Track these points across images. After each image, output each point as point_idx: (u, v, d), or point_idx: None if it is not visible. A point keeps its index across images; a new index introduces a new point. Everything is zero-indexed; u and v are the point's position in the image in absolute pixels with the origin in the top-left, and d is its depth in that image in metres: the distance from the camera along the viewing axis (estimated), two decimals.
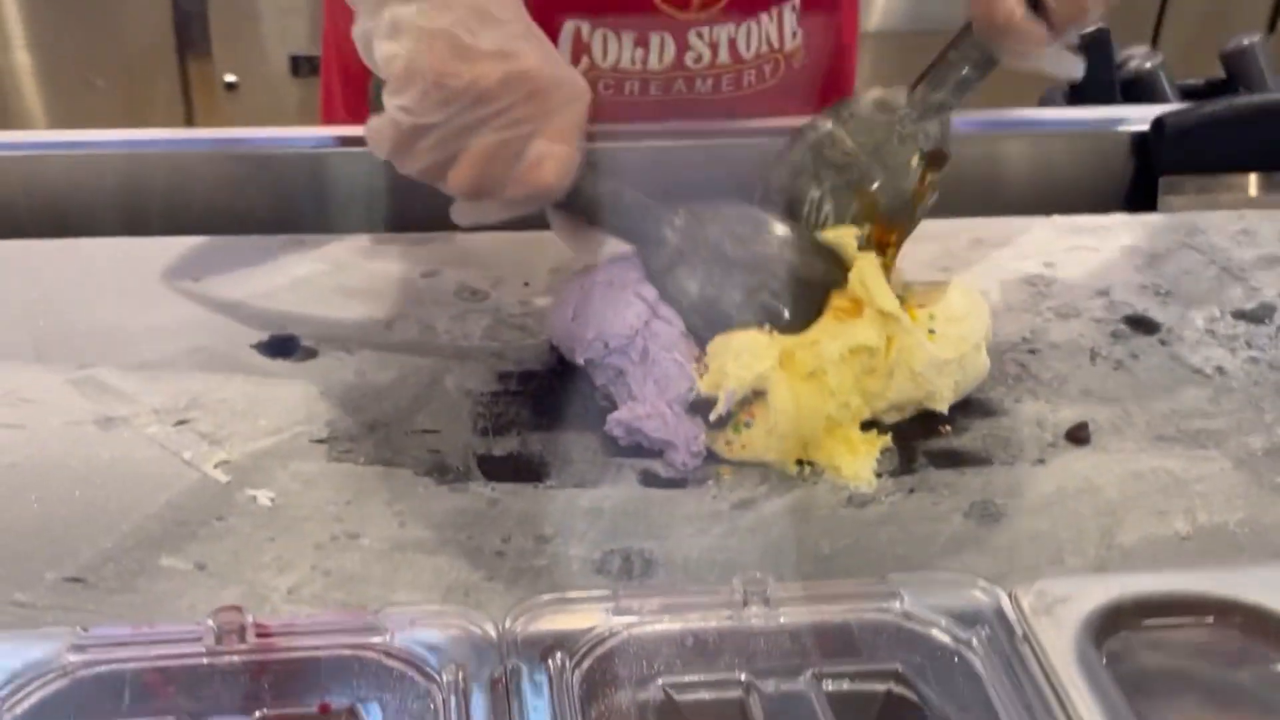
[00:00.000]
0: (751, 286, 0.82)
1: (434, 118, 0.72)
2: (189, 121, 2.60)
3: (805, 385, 0.80)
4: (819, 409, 0.81)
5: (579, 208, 0.80)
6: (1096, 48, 1.24)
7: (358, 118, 1.15)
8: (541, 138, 0.74)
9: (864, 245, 0.84)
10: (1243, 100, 1.13)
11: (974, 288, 0.86)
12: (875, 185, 0.85)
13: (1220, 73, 1.35)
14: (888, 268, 0.85)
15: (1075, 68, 0.87)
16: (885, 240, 0.86)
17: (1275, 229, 1.06)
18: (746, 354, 0.79)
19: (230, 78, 2.55)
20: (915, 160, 0.85)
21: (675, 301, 0.82)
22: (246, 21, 2.54)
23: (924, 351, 0.81)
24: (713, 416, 0.79)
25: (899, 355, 0.82)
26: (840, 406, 0.81)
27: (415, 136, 0.74)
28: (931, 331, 0.83)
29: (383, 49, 0.73)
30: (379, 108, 0.74)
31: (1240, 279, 1.00)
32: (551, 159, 0.74)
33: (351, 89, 1.16)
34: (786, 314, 0.82)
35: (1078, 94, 1.22)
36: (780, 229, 0.84)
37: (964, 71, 0.86)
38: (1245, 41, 1.33)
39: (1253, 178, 1.11)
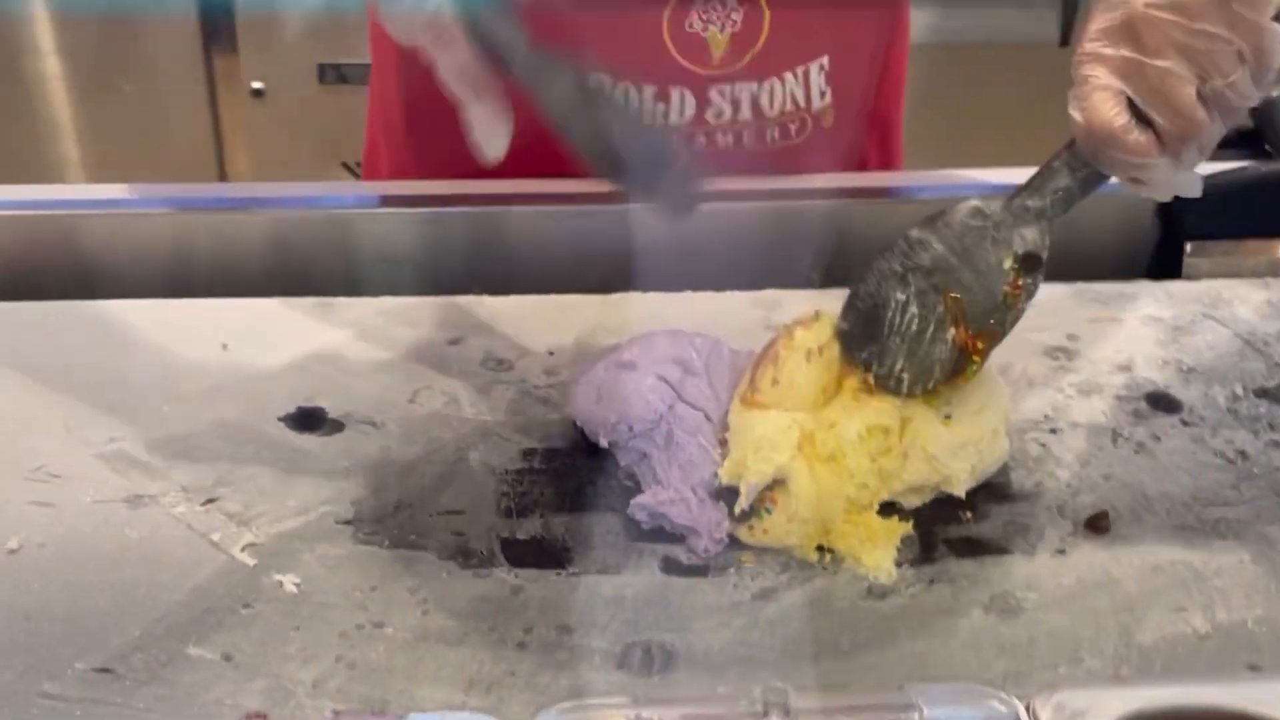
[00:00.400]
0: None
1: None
2: (216, 128, 2.61)
3: (824, 468, 0.81)
4: (838, 491, 0.81)
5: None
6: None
7: (401, 173, 1.17)
8: None
9: (950, 350, 0.83)
10: (1270, 166, 1.12)
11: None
12: (963, 287, 0.82)
13: (1247, 122, 1.35)
14: (971, 376, 0.83)
15: (1192, 187, 0.81)
16: (972, 346, 0.83)
17: None
18: (766, 445, 0.80)
19: (257, 84, 2.56)
20: (1008, 262, 0.82)
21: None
22: (274, 29, 2.55)
23: (938, 435, 0.81)
24: (736, 510, 0.80)
25: (913, 438, 0.82)
26: (859, 488, 0.82)
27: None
28: (947, 417, 0.83)
29: None
30: None
31: (1263, 353, 1.00)
32: None
33: (393, 144, 1.17)
34: None
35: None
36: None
37: (1064, 182, 0.81)
38: (1275, 93, 1.32)
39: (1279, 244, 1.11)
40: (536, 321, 0.99)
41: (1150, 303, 1.05)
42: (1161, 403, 0.95)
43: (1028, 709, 0.67)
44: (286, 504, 0.82)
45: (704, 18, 1.04)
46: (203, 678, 0.70)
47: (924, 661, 0.74)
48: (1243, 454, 0.90)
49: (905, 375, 0.83)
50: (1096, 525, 0.84)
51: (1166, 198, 0.80)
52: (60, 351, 0.94)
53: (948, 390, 0.84)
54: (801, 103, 1.11)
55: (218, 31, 2.54)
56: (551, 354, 0.96)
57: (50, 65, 2.55)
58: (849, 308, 0.85)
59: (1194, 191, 0.80)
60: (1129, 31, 0.75)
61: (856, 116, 1.16)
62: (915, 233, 0.83)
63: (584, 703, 0.66)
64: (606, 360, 0.85)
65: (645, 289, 1.02)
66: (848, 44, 1.12)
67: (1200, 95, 0.75)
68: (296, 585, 0.76)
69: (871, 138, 1.21)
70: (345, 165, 2.46)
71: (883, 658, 0.74)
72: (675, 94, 1.06)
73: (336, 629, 0.74)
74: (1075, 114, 0.77)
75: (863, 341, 0.84)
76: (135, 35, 2.52)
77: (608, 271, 1.01)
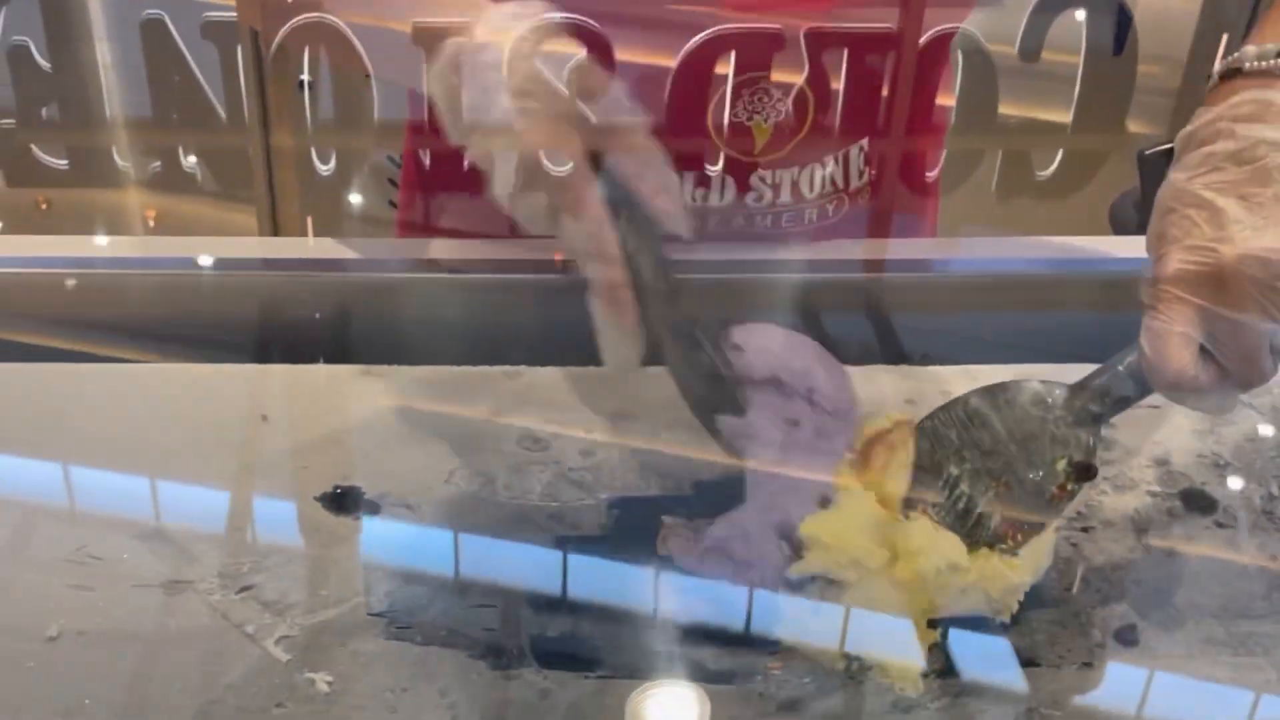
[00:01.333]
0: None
1: None
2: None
3: (890, 584, 0.81)
4: (893, 604, 0.82)
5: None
6: (1160, 171, 1.23)
7: (434, 230, 1.18)
8: None
9: (988, 535, 0.83)
10: None
11: None
12: (1016, 479, 0.83)
13: None
14: (1000, 564, 0.83)
15: (1231, 406, 0.82)
16: (1012, 535, 0.83)
17: None
18: (854, 549, 0.81)
19: (305, 76, 2.56)
20: (1063, 465, 0.83)
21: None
22: None
23: (1004, 580, 0.82)
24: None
25: (980, 579, 0.82)
26: (920, 612, 0.82)
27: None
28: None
29: None
30: None
31: None
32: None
33: (426, 201, 1.17)
34: None
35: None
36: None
37: (1126, 392, 0.82)
38: None
39: None
40: (575, 397, 1.00)
41: None
42: (1196, 502, 0.94)
43: None
44: (320, 594, 0.83)
45: (749, 107, 1.04)
46: None
47: None
48: (1275, 557, 0.90)
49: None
50: (1125, 639, 0.84)
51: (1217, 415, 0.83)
52: (103, 416, 0.95)
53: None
54: (840, 183, 1.11)
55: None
56: (588, 432, 0.97)
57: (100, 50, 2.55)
58: None
59: (1229, 409, 0.82)
60: (1214, 280, 0.75)
61: (891, 189, 1.16)
62: (975, 402, 0.84)
63: None
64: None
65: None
66: (889, 125, 1.12)
67: (1271, 345, 0.77)
68: (329, 684, 0.78)
69: (916, 208, 1.21)
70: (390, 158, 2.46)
71: None
72: (716, 179, 1.07)
73: None
74: (1147, 350, 0.78)
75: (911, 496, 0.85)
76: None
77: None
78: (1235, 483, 0.96)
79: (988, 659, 0.82)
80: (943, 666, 0.81)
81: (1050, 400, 0.84)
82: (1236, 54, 0.79)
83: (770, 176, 1.06)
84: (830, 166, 1.08)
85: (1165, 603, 0.86)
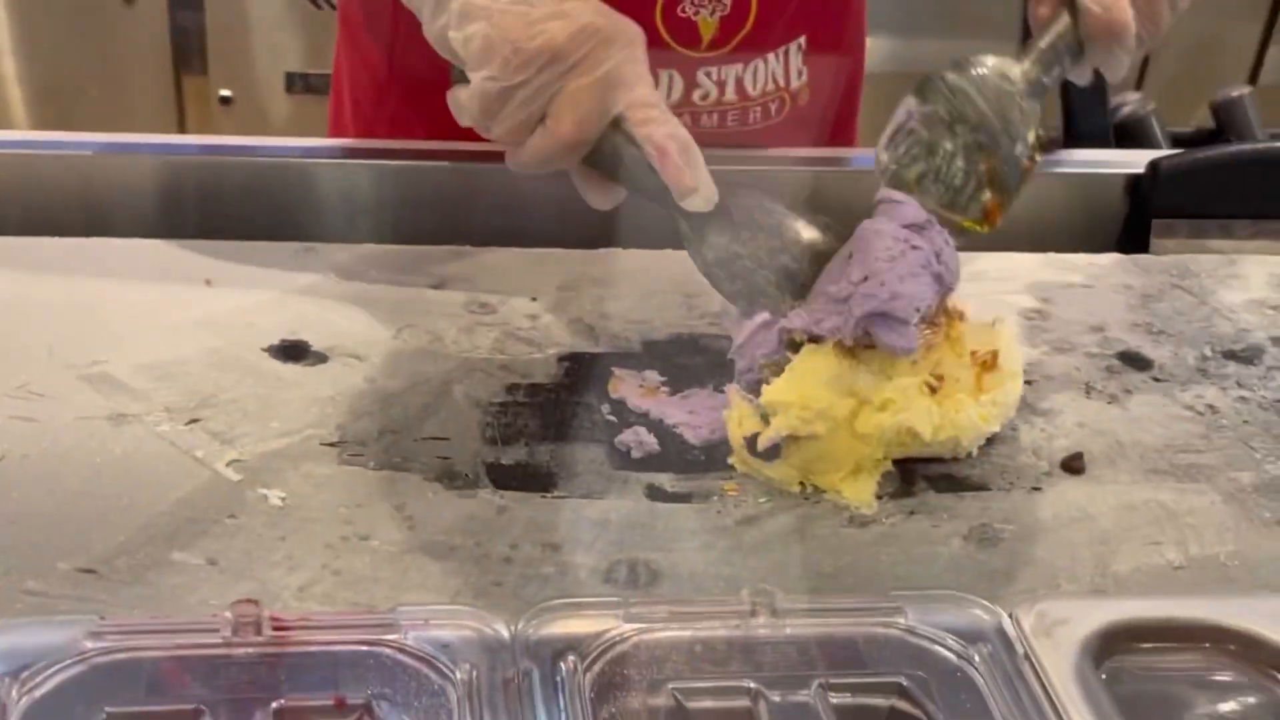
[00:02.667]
0: (774, 248, 0.84)
1: (519, 78, 0.80)
2: (181, 133, 2.60)
3: (845, 432, 0.82)
4: (851, 454, 0.82)
5: (606, 164, 0.84)
6: (1092, 93, 1.27)
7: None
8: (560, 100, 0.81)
9: (978, 214, 0.85)
10: (1237, 148, 1.15)
11: (1017, 346, 0.88)
12: (1003, 152, 0.85)
13: (1209, 122, 1.38)
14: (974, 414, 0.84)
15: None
16: (995, 210, 0.85)
17: (1265, 274, 1.08)
18: (816, 403, 0.80)
19: (225, 92, 2.56)
20: (1031, 137, 0.85)
21: (700, 255, 0.84)
22: (243, 37, 2.55)
23: (976, 432, 0.83)
24: (761, 445, 0.80)
25: (952, 429, 0.83)
26: (875, 463, 0.82)
27: (502, 100, 0.81)
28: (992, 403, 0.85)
29: (459, 34, 0.82)
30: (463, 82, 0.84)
31: (1230, 320, 1.02)
32: (552, 129, 0.81)
33: (361, 112, 1.17)
34: (802, 281, 0.84)
35: (1073, 136, 1.25)
36: (800, 220, 0.86)
37: (1063, 65, 0.87)
38: (1234, 94, 1.36)
39: (1244, 224, 1.14)
40: (520, 271, 1.00)
41: (1120, 272, 1.07)
42: (1133, 360, 0.96)
43: (1010, 617, 0.68)
44: (270, 426, 0.82)
45: (696, 2, 1.06)
46: (187, 580, 0.70)
47: (906, 584, 0.74)
48: (1212, 408, 0.92)
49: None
50: (1071, 466, 0.85)
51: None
52: (48, 283, 0.94)
53: (982, 347, 0.85)
54: (781, 82, 1.13)
55: (187, 39, 2.54)
56: (535, 300, 0.97)
57: (7, 66, 2.54)
58: (892, 144, 0.87)
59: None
60: None
61: (827, 95, 1.18)
62: (953, 78, 0.86)
63: (576, 600, 0.67)
64: None
65: (627, 247, 1.04)
66: (821, 22, 1.14)
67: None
68: (282, 499, 0.76)
69: (838, 118, 1.23)
70: None
71: (865, 580, 0.75)
72: (664, 77, 1.08)
73: (322, 540, 0.74)
74: (1094, 7, 0.85)
75: (902, 177, 0.87)
76: (103, 38, 2.51)
77: (589, 228, 1.02)
78: (1169, 346, 0.98)
79: (939, 484, 0.83)
80: (896, 489, 0.82)
81: (1011, 75, 0.86)
82: None
83: (716, 73, 1.08)
84: (772, 63, 1.10)
85: (1109, 440, 0.88)
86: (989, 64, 0.86)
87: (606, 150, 0.83)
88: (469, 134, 0.86)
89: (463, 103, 0.84)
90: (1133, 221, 1.15)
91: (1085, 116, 1.19)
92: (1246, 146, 1.15)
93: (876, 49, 1.28)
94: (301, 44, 2.55)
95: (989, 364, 0.85)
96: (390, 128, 1.16)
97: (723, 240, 0.84)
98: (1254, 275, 1.08)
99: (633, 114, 0.82)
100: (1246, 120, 1.33)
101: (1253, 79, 2.53)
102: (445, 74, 0.85)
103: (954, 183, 0.86)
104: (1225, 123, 1.34)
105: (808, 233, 0.85)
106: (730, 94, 1.09)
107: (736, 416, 0.82)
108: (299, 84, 2.57)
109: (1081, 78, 0.91)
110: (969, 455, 0.84)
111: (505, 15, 0.81)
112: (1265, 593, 0.72)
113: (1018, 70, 0.87)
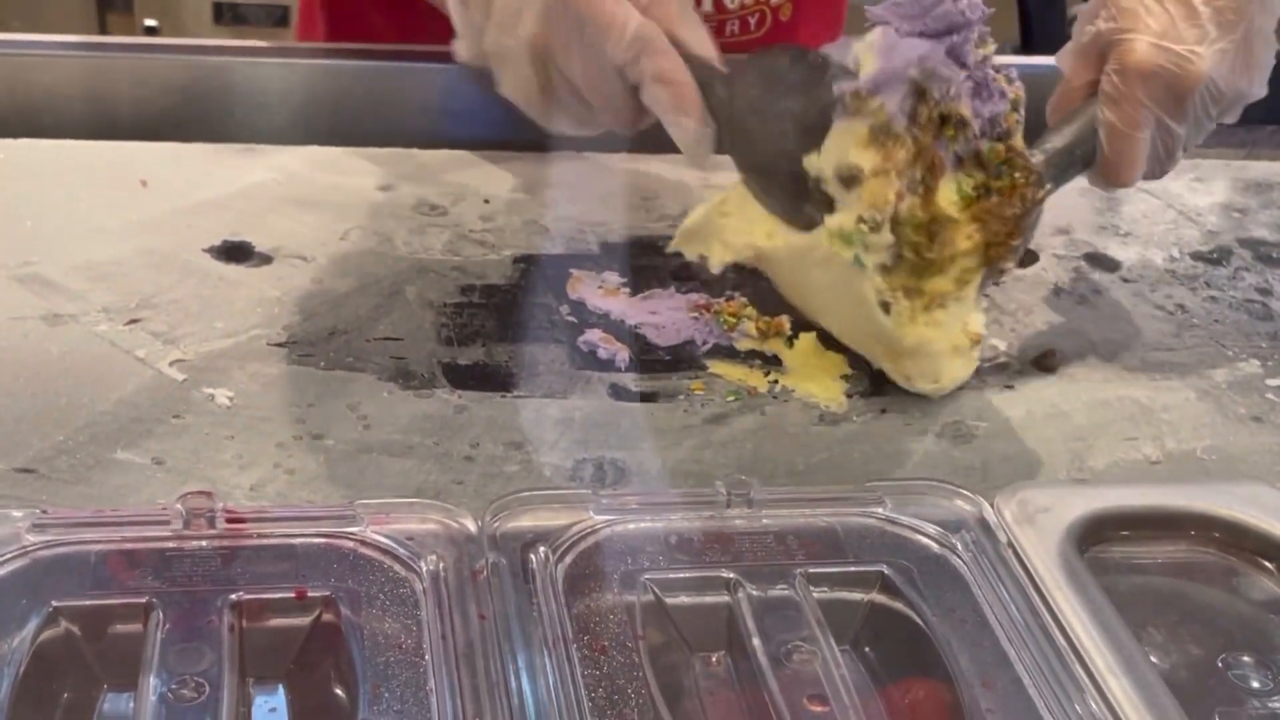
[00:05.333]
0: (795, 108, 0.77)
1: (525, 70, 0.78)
2: None
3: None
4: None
5: None
6: (1048, 3, 1.24)
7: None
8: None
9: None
10: None
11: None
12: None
13: None
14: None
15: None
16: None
17: (1229, 177, 1.07)
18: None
19: (150, 22, 2.48)
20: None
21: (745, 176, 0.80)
22: None
23: (956, 380, 0.80)
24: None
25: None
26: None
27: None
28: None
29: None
30: None
31: (1196, 223, 1.00)
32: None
33: (333, 15, 1.13)
34: None
35: (1029, 45, 1.23)
36: (823, 54, 0.79)
37: (1071, 168, 0.81)
38: None
39: None
40: (471, 173, 0.96)
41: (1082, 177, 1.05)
42: (1101, 262, 0.95)
43: (992, 506, 0.66)
44: (214, 326, 0.78)
45: None
46: (132, 479, 0.66)
47: (881, 479, 0.72)
48: (1182, 307, 0.90)
49: None
50: (1044, 364, 0.83)
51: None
52: None
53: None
54: None
55: None
56: (487, 201, 0.93)
57: None
58: None
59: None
60: (1173, 90, 0.78)
61: (810, 11, 1.15)
62: None
63: (545, 491, 0.64)
64: None
65: (581, 150, 1.00)
66: None
67: None
68: (229, 399, 0.73)
69: (825, 32, 1.20)
70: None
71: (838, 476, 0.72)
72: None
73: (273, 440, 0.70)
74: (1108, 150, 0.79)
75: None
76: None
77: (541, 131, 0.99)
78: (1137, 248, 0.96)
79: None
80: (866, 389, 0.80)
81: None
82: None
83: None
84: None
85: (1081, 339, 0.86)
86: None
87: None
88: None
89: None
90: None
91: (1042, 23, 1.16)
92: None
93: None
94: None
95: (972, 339, 0.79)
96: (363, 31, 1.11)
97: (738, 148, 0.79)
98: (1218, 179, 1.07)
99: (637, 63, 0.76)
100: None
101: None
102: None
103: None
104: None
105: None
106: (707, 5, 1.06)
107: None
108: (228, 15, 2.51)
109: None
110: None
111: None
112: (1248, 481, 0.70)
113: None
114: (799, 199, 0.77)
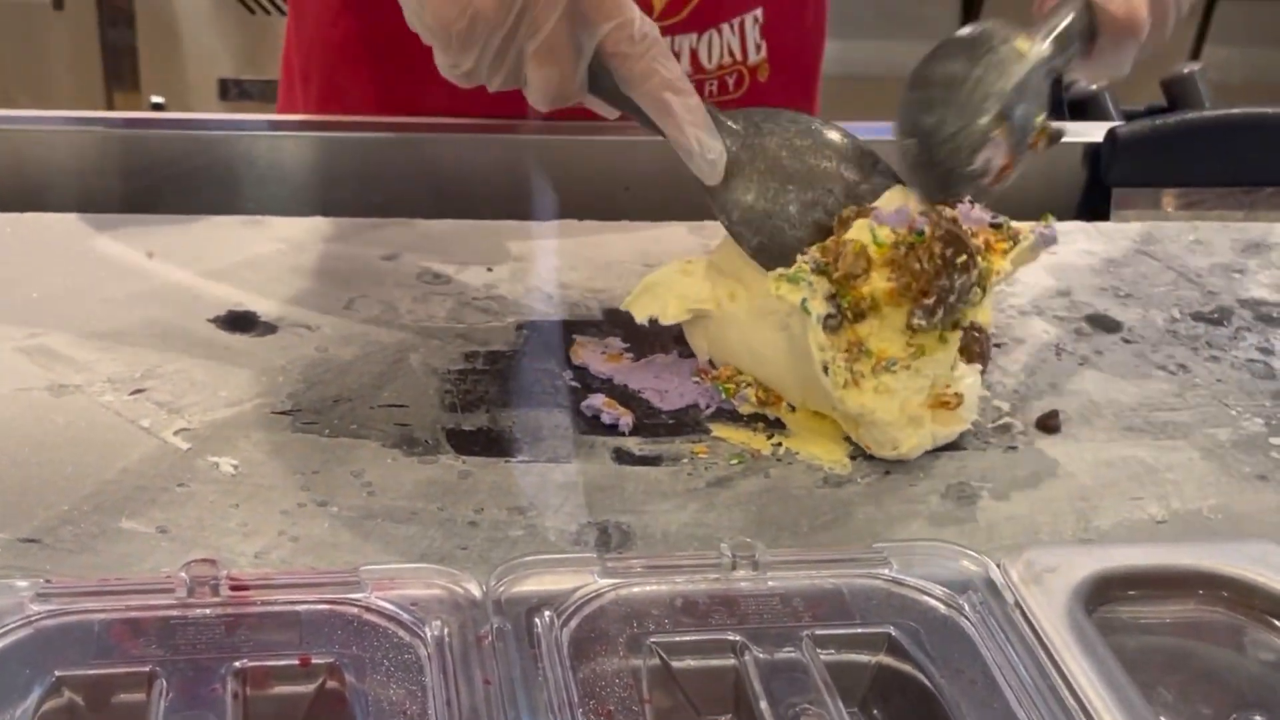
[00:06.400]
0: (807, 201, 0.80)
1: (469, 58, 0.75)
2: None
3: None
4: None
5: (621, 105, 0.79)
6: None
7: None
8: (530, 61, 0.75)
9: (988, 175, 0.81)
10: (1194, 115, 1.14)
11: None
12: (1011, 123, 0.81)
13: (1160, 99, 1.38)
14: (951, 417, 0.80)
15: (1127, 68, 0.88)
16: (1000, 173, 0.82)
17: (1228, 239, 1.07)
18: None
19: (158, 99, 2.51)
20: (1040, 119, 0.82)
21: (727, 212, 0.79)
22: (174, 44, 2.50)
23: (950, 435, 0.80)
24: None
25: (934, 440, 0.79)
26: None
27: (471, 78, 0.77)
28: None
29: (410, 18, 0.77)
30: None
31: (1196, 284, 1.01)
32: (535, 84, 0.76)
33: (311, 90, 1.14)
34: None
35: None
36: (837, 140, 0.81)
37: (1074, 46, 0.84)
38: (1185, 70, 1.35)
39: (1202, 191, 1.13)
40: (474, 242, 0.97)
41: (1083, 239, 1.06)
42: (1102, 323, 0.95)
43: (998, 566, 0.66)
44: (219, 395, 0.78)
45: None
46: (137, 548, 0.66)
47: (885, 540, 0.72)
48: (1184, 367, 0.90)
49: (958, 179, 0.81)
50: (1047, 424, 0.83)
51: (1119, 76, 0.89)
52: None
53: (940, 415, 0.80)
54: (738, 55, 1.10)
55: (119, 43, 2.49)
56: (491, 269, 0.94)
57: None
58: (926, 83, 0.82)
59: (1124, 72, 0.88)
60: None
61: (789, 73, 1.16)
62: (959, 68, 0.81)
63: (549, 556, 0.64)
64: None
65: (581, 217, 1.01)
66: None
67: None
68: (234, 467, 0.73)
69: (801, 96, 1.21)
70: None
71: (843, 537, 0.72)
72: None
73: (278, 507, 0.70)
74: (1110, 4, 0.83)
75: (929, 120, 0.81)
76: (32, 38, 2.45)
77: (545, 199, 1.00)
78: (1138, 309, 0.97)
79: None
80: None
81: (1023, 48, 0.82)
82: None
83: (669, 43, 1.05)
84: (728, 35, 1.08)
85: (1083, 399, 0.86)
86: (1005, 36, 0.82)
87: (610, 91, 0.78)
88: (430, 95, 0.83)
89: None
90: (1091, 191, 1.14)
91: None
92: (1204, 114, 1.15)
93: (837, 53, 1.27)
94: (235, 50, 2.50)
95: (948, 403, 0.79)
96: (344, 99, 1.12)
97: (747, 198, 0.80)
98: (1216, 240, 1.07)
99: (614, 62, 0.76)
100: (1198, 96, 1.32)
101: (1195, 54, 2.54)
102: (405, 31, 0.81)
103: (964, 146, 0.80)
104: (1177, 98, 1.33)
105: (849, 173, 0.81)
106: (685, 66, 1.07)
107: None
108: (234, 91, 2.53)
109: (1090, 76, 0.90)
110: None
111: None
112: (1257, 539, 0.70)
113: (1033, 51, 0.82)
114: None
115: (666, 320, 0.82)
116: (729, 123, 0.80)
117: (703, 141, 0.77)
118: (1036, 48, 0.82)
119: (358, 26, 1.10)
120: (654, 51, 0.76)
